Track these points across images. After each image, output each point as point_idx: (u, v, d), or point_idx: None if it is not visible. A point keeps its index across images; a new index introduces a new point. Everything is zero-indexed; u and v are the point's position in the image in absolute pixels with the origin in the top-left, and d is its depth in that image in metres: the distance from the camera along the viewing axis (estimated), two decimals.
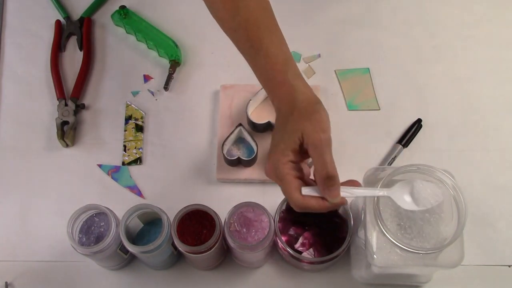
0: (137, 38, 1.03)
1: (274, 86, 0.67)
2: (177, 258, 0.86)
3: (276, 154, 0.62)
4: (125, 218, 0.76)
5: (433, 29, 1.03)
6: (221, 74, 1.00)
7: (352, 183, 0.66)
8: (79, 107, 0.97)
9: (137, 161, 0.94)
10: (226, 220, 0.76)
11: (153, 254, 0.76)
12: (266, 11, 0.70)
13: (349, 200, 0.69)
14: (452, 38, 1.03)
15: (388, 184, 0.73)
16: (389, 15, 1.05)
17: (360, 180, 0.76)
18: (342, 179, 0.90)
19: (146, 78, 1.00)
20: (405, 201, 0.66)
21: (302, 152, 0.63)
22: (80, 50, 1.03)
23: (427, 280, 0.83)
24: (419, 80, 0.99)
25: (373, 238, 0.71)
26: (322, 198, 0.62)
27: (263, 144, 0.91)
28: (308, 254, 0.80)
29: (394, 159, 0.92)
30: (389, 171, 0.71)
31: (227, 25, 0.71)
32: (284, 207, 0.83)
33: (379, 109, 0.97)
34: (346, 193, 0.63)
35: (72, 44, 1.04)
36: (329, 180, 0.61)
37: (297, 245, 0.81)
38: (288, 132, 0.62)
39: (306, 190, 0.62)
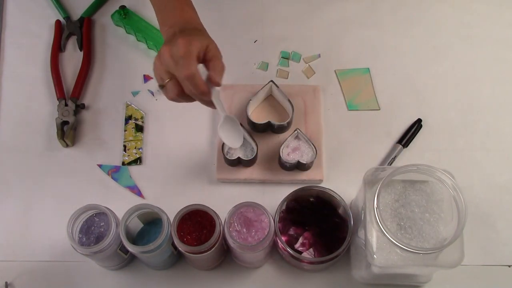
0: (137, 38, 1.03)
1: (182, 15, 0.80)
2: (177, 258, 0.86)
3: (194, 38, 0.75)
4: (125, 218, 0.76)
5: (433, 29, 1.03)
6: None
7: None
8: (79, 107, 0.97)
9: (137, 161, 0.94)
10: (226, 220, 0.76)
11: (153, 254, 0.76)
12: None
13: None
14: (452, 38, 1.03)
15: (388, 184, 0.73)
16: (389, 15, 1.05)
17: (360, 180, 0.76)
18: (342, 179, 0.91)
19: (146, 78, 1.00)
20: (223, 132, 0.84)
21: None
22: (80, 50, 1.03)
23: (427, 280, 0.83)
24: (419, 80, 0.99)
25: (373, 238, 0.71)
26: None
27: (263, 144, 0.92)
28: (308, 254, 0.80)
29: (394, 159, 0.92)
30: (389, 171, 0.71)
31: None
32: (284, 207, 0.83)
33: (379, 109, 0.97)
34: (215, 91, 0.78)
35: (72, 44, 1.04)
36: (222, 70, 0.77)
37: (297, 245, 0.81)
38: (202, 36, 0.78)
39: (199, 68, 0.75)
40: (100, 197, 0.90)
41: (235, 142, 0.87)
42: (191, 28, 0.79)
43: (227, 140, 0.85)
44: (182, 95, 0.76)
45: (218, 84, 0.76)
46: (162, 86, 0.76)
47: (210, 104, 0.79)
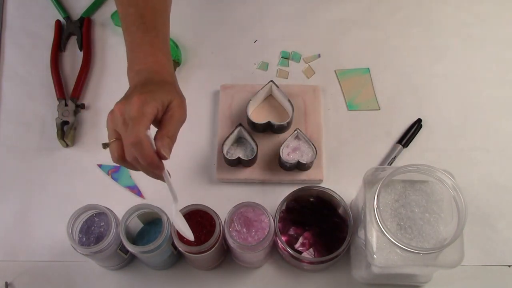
0: None
1: (153, 61, 0.73)
2: (177, 258, 0.86)
3: (153, 96, 0.67)
4: (125, 218, 0.76)
5: (433, 29, 1.03)
6: (221, 74, 1.00)
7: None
8: (79, 107, 0.97)
9: None
10: (226, 220, 0.76)
11: (153, 254, 0.76)
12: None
13: (159, 183, 0.71)
14: (452, 38, 1.03)
15: (388, 184, 0.73)
16: (389, 15, 1.05)
17: (360, 180, 0.76)
18: (342, 179, 0.90)
19: None
20: (179, 222, 0.72)
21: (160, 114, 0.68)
22: (80, 50, 1.03)
23: (427, 280, 0.83)
24: (419, 80, 0.99)
25: (373, 238, 0.71)
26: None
27: (263, 144, 0.92)
28: (308, 254, 0.81)
29: (394, 159, 0.92)
30: (389, 171, 0.71)
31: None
32: (284, 207, 0.83)
33: (379, 109, 0.97)
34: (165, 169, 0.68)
35: (72, 44, 1.04)
36: (170, 139, 0.66)
37: (297, 245, 0.81)
38: (165, 91, 0.69)
39: (148, 134, 0.65)
40: (100, 197, 0.90)
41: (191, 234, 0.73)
42: (157, 81, 0.71)
43: (185, 231, 0.73)
44: (125, 161, 0.66)
45: (165, 158, 0.65)
46: (105, 145, 0.67)
47: (161, 178, 0.69)
